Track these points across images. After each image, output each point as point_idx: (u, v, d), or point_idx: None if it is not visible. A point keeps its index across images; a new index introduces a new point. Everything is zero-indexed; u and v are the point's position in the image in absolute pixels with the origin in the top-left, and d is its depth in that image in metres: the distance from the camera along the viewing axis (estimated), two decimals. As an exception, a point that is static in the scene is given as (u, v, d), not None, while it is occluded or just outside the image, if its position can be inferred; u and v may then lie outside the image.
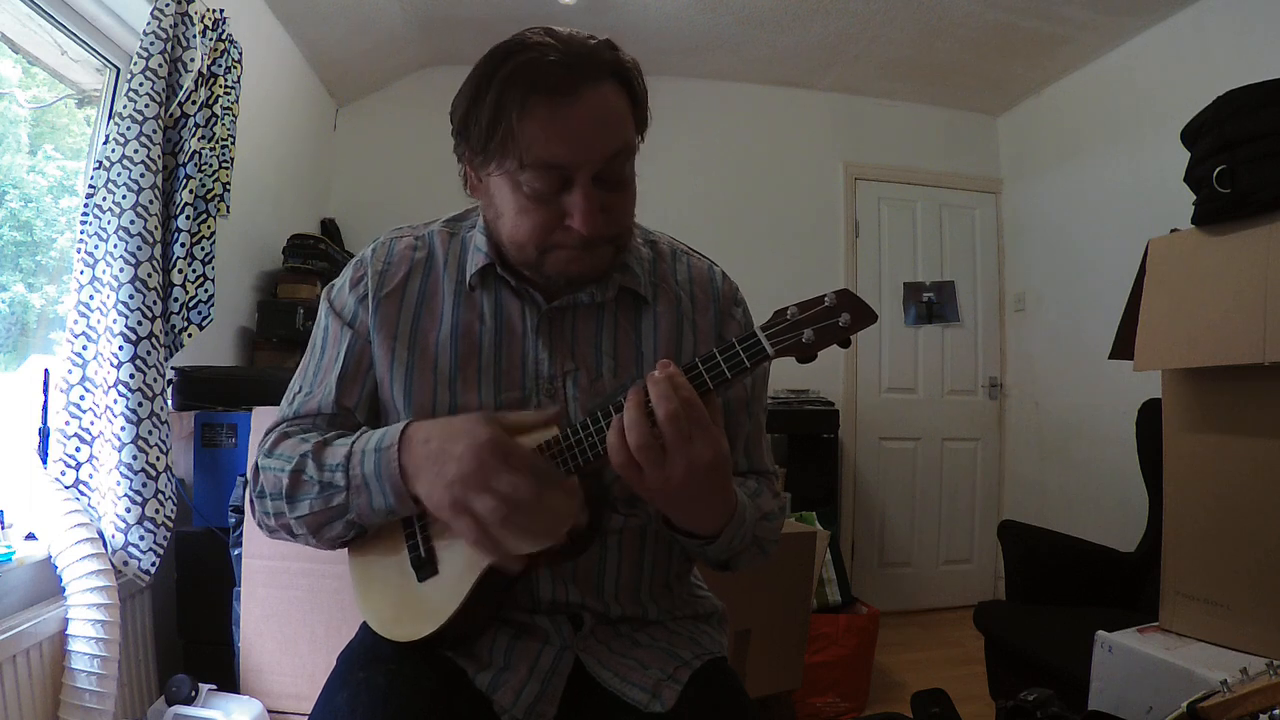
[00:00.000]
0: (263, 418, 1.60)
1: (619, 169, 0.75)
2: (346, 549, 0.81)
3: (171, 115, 1.69)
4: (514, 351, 0.80)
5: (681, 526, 0.72)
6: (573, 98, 0.69)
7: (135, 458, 1.50)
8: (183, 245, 1.71)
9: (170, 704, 1.49)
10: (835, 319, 0.63)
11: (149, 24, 1.61)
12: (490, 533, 0.63)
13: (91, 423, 1.55)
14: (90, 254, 1.54)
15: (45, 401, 1.57)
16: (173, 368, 1.78)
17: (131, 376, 1.51)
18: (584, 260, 0.75)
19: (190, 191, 1.72)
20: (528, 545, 0.65)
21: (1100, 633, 1.57)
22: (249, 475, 0.80)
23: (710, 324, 0.86)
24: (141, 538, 1.52)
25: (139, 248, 1.53)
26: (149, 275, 1.55)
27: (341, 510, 0.72)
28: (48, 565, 1.40)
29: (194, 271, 1.79)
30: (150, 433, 1.53)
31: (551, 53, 0.69)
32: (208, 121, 1.81)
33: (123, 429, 1.50)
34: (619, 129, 0.73)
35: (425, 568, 0.74)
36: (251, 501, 0.79)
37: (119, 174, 1.53)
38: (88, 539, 1.40)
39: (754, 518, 0.77)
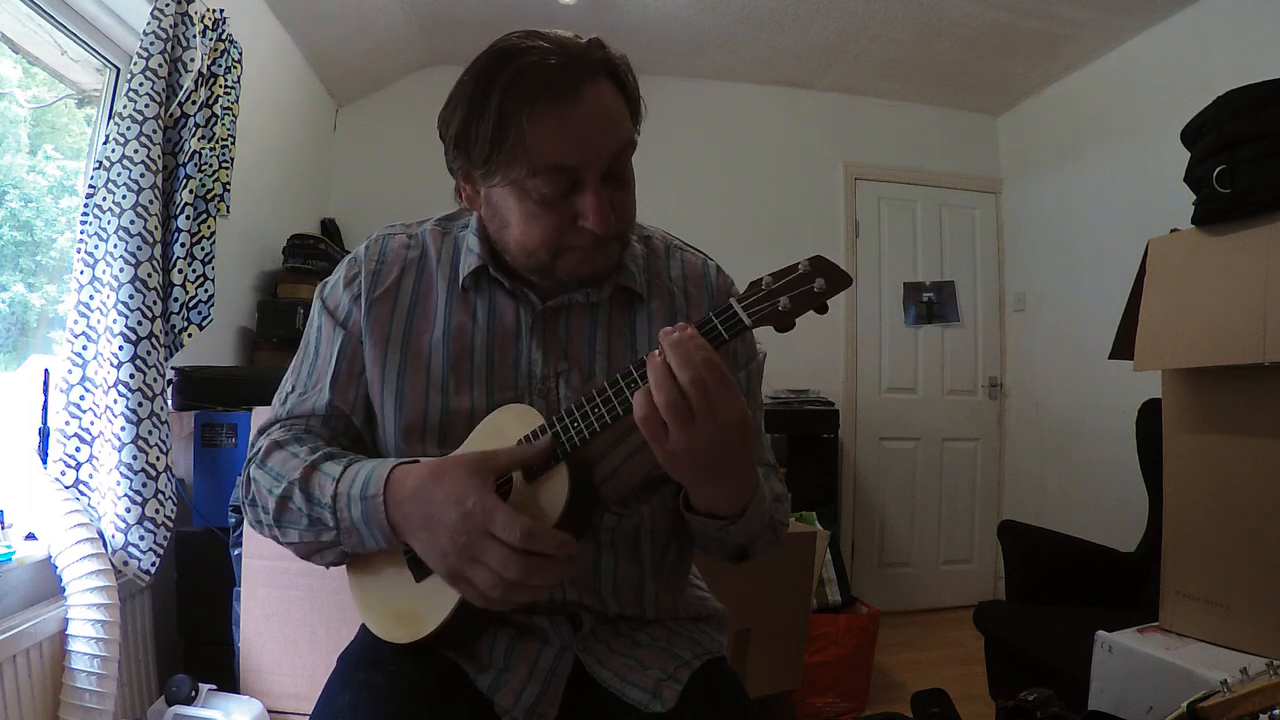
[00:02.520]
0: (262, 418, 1.60)
1: (623, 165, 0.75)
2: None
3: (171, 115, 1.69)
4: (507, 352, 0.80)
5: (705, 508, 0.72)
6: (575, 99, 0.69)
7: (135, 458, 1.50)
8: (183, 245, 1.71)
9: (170, 704, 1.49)
10: (810, 285, 0.62)
11: (149, 24, 1.61)
12: (493, 599, 0.65)
13: (91, 423, 1.55)
14: (90, 254, 1.54)
15: (45, 401, 1.57)
16: (173, 368, 1.78)
17: (131, 376, 1.51)
18: (596, 260, 0.76)
19: (190, 191, 1.72)
20: (528, 599, 0.66)
21: (1100, 633, 1.57)
22: (242, 479, 0.80)
23: None
24: (141, 538, 1.52)
25: (139, 248, 1.53)
26: (149, 275, 1.55)
27: (333, 544, 0.73)
28: (48, 565, 1.40)
29: (194, 271, 1.79)
30: (150, 433, 1.53)
31: (549, 55, 0.69)
32: (208, 121, 1.81)
33: (123, 429, 1.50)
34: (621, 125, 0.74)
35: (421, 567, 0.74)
36: (244, 504, 0.80)
37: (119, 174, 1.53)
38: (88, 539, 1.40)
39: (770, 497, 0.77)
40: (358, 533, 0.70)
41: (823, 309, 0.63)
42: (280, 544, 0.77)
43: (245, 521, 0.81)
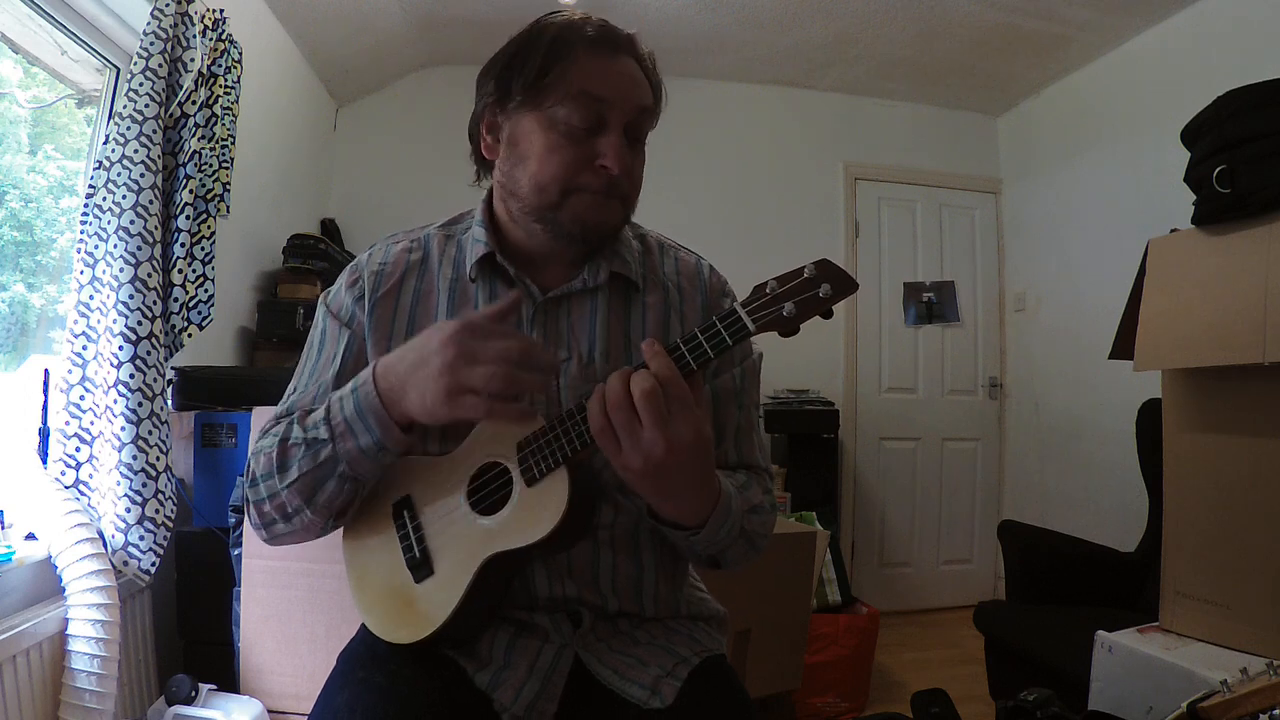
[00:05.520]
0: (262, 418, 1.60)
1: (642, 128, 0.82)
2: (344, 553, 0.81)
3: (171, 115, 1.69)
4: None
5: (666, 517, 0.72)
6: (615, 55, 0.79)
7: (135, 458, 1.50)
8: (183, 245, 1.71)
9: (170, 704, 1.49)
10: (816, 290, 0.62)
11: (149, 24, 1.61)
12: (496, 396, 0.65)
13: (91, 423, 1.55)
14: (90, 254, 1.54)
15: (45, 401, 1.57)
16: (173, 368, 1.77)
17: (131, 376, 1.51)
18: (602, 208, 0.79)
19: (190, 191, 1.72)
20: (538, 388, 0.69)
21: (1100, 633, 1.57)
22: (245, 473, 0.80)
23: (698, 313, 0.87)
24: (141, 538, 1.52)
25: (139, 248, 1.53)
26: (149, 275, 1.55)
27: (331, 463, 0.72)
28: (48, 565, 1.40)
29: (194, 271, 1.79)
30: (150, 433, 1.53)
31: (595, 21, 0.79)
32: (208, 121, 1.81)
33: (123, 429, 1.50)
34: (649, 91, 0.82)
35: (421, 568, 0.74)
36: (247, 501, 0.79)
37: (119, 174, 1.53)
38: (88, 539, 1.40)
39: (741, 510, 0.76)
40: (352, 433, 0.70)
41: (828, 314, 0.63)
42: (284, 513, 0.75)
43: (246, 519, 0.79)
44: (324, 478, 0.73)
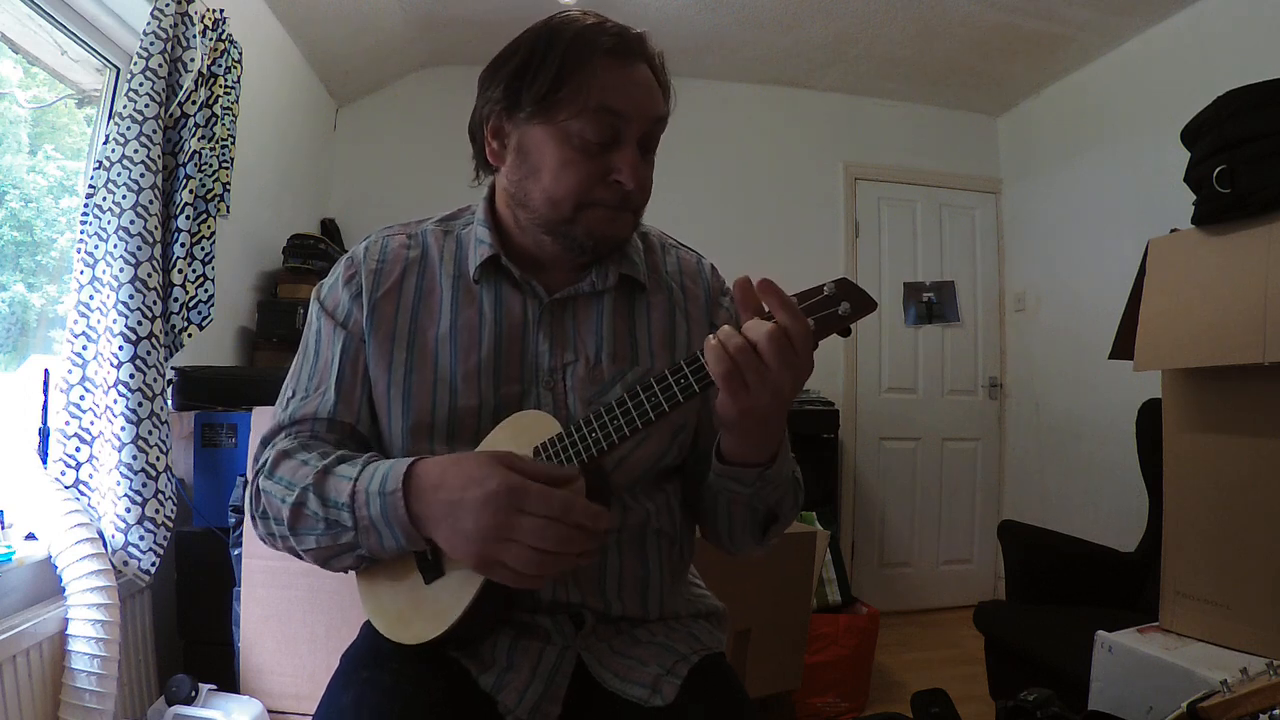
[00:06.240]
0: (263, 417, 1.60)
1: (655, 138, 0.80)
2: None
3: (171, 115, 1.69)
4: (514, 345, 0.80)
5: (739, 457, 0.73)
6: (631, 63, 0.76)
7: (135, 458, 1.50)
8: (183, 245, 1.71)
9: (170, 704, 1.49)
10: (835, 308, 0.62)
11: (149, 24, 1.61)
12: (527, 575, 0.64)
13: (91, 423, 1.55)
14: (90, 254, 1.54)
15: (45, 401, 1.57)
16: (173, 368, 1.77)
17: (131, 376, 1.51)
18: (615, 222, 0.78)
19: (190, 191, 1.72)
20: (565, 569, 0.66)
21: (1100, 633, 1.57)
22: (249, 494, 0.78)
23: (702, 312, 0.87)
24: (141, 538, 1.52)
25: (139, 248, 1.53)
26: (149, 275, 1.55)
27: (351, 547, 0.71)
28: (48, 565, 1.40)
29: (194, 271, 1.79)
30: (150, 433, 1.53)
31: (608, 26, 0.76)
32: (208, 121, 1.81)
33: (123, 429, 1.50)
34: (662, 99, 0.80)
35: (432, 570, 0.74)
36: (253, 517, 0.78)
37: (119, 174, 1.53)
38: (88, 539, 1.40)
39: (787, 450, 0.78)
40: (376, 531, 0.68)
41: (846, 333, 0.64)
42: (296, 553, 0.75)
43: (256, 535, 0.78)
44: (341, 553, 0.72)
